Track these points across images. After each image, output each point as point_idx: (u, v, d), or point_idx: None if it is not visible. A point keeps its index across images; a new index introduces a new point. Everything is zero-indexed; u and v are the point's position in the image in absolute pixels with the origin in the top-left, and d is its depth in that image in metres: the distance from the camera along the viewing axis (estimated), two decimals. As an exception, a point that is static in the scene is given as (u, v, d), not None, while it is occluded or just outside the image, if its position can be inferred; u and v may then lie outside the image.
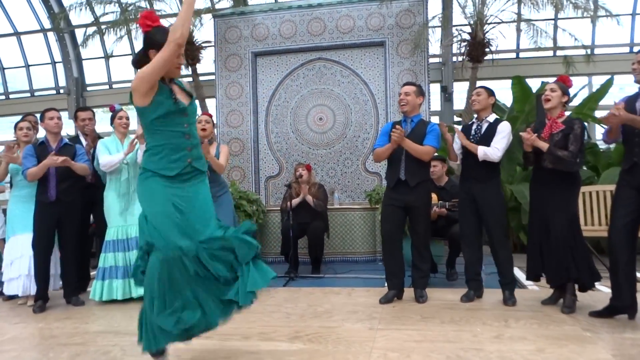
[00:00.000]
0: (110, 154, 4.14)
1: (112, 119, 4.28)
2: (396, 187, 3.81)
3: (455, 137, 3.91)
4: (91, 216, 4.69)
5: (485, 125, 3.78)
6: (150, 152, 2.38)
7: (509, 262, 3.72)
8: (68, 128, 4.64)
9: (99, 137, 4.54)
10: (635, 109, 3.12)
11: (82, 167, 4.00)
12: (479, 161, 3.68)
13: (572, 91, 3.72)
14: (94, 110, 4.98)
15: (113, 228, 4.18)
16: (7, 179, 4.48)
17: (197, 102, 2.49)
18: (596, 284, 3.47)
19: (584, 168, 6.20)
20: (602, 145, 6.91)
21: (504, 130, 3.70)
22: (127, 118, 4.29)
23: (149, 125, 2.35)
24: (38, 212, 3.94)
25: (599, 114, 7.12)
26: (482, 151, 3.66)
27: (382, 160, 3.98)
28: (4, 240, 5.16)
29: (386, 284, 3.93)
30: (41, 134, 4.41)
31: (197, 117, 2.75)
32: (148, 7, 8.85)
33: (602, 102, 7.12)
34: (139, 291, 4.06)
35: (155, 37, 2.30)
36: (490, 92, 3.84)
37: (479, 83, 7.28)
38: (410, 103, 3.84)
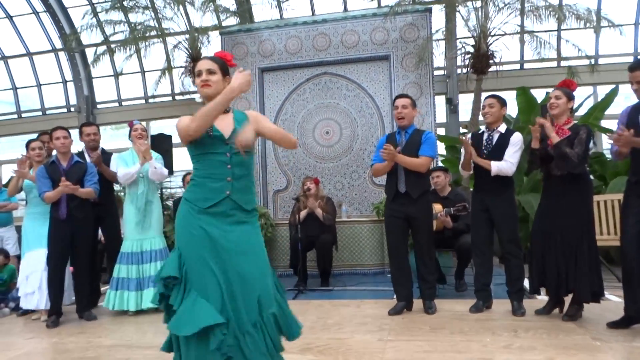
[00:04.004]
0: (127, 166, 4.26)
1: (130, 133, 4.41)
2: (395, 199, 3.82)
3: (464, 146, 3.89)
4: (99, 232, 4.76)
5: (496, 136, 3.76)
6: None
7: (521, 272, 3.71)
8: (80, 145, 4.71)
9: (104, 152, 4.63)
10: (639, 121, 3.13)
11: (86, 192, 4.05)
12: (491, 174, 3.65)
13: (577, 101, 3.70)
14: (104, 127, 5.10)
15: (129, 240, 4.28)
16: (22, 195, 4.57)
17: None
18: (606, 293, 3.45)
19: (591, 177, 6.19)
20: (609, 154, 6.90)
21: (517, 143, 3.67)
22: (143, 129, 4.41)
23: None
24: (52, 229, 4.02)
25: (605, 123, 7.14)
26: (495, 167, 3.62)
27: (381, 176, 4.00)
28: (17, 256, 5.26)
29: (395, 296, 3.94)
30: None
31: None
32: (157, 26, 9.03)
33: (607, 112, 7.13)
34: (149, 303, 4.13)
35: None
36: (503, 103, 3.79)
37: (483, 94, 7.33)
38: (407, 116, 3.81)
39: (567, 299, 3.54)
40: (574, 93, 3.58)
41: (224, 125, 2.23)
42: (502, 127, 3.79)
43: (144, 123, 5.15)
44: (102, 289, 4.81)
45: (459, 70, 8.33)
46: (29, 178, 4.25)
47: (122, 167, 4.27)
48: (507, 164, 3.63)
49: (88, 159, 4.46)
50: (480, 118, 4.29)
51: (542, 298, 4.14)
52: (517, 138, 3.70)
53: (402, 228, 3.82)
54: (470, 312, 3.73)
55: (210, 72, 2.21)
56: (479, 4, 7.15)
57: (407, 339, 3.16)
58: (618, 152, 3.22)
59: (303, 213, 5.34)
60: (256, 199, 2.34)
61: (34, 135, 4.79)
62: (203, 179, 2.19)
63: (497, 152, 3.69)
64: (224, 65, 2.28)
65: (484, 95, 7.37)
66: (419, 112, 6.40)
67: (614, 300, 3.88)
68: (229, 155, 2.20)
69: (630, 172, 3.27)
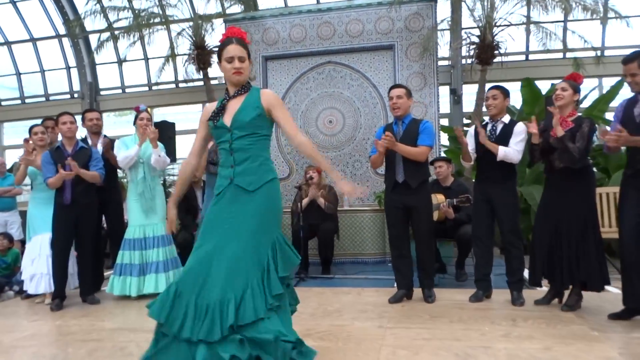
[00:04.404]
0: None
1: (135, 118, 4.40)
2: (395, 189, 3.82)
3: (468, 137, 3.89)
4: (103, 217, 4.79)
5: (500, 126, 3.76)
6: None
7: (521, 262, 3.73)
8: (84, 131, 4.72)
9: (108, 140, 4.64)
10: (634, 114, 3.15)
11: (92, 175, 4.07)
12: (495, 163, 3.65)
13: (582, 93, 3.70)
14: (107, 113, 5.10)
15: (132, 227, 4.31)
16: (27, 180, 4.60)
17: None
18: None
19: (594, 170, 6.18)
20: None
21: (522, 133, 3.67)
22: (149, 119, 4.37)
23: None
24: (56, 214, 4.05)
25: (609, 115, 7.11)
26: (502, 152, 3.62)
27: (378, 167, 4.02)
28: (21, 241, 5.31)
29: (395, 284, 3.96)
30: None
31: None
32: (161, 13, 9.00)
33: (612, 104, 7.10)
34: (150, 288, 4.17)
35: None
36: (506, 94, 3.79)
37: (488, 85, 7.30)
38: (402, 107, 3.79)
39: (566, 289, 3.57)
40: (580, 88, 3.58)
41: (232, 111, 2.30)
42: (506, 118, 3.79)
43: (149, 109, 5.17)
44: (106, 274, 4.85)
45: (463, 61, 8.30)
46: (35, 165, 4.27)
47: (123, 150, 4.29)
48: (513, 151, 3.63)
49: (91, 144, 4.48)
50: (484, 109, 4.29)
51: (542, 289, 4.17)
52: (520, 128, 3.70)
53: (402, 218, 3.83)
54: (470, 301, 3.75)
55: (241, 59, 2.29)
56: (484, -7, 7.10)
57: (406, 326, 3.19)
58: (609, 146, 3.25)
59: (305, 201, 5.36)
60: (268, 175, 2.29)
61: (38, 121, 4.80)
62: (220, 168, 2.35)
63: (501, 142, 3.69)
64: (248, 49, 2.35)
65: (488, 86, 7.36)
66: (422, 102, 6.44)
67: (613, 291, 3.90)
68: (230, 142, 2.28)
69: (626, 165, 3.28)
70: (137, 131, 4.37)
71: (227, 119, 2.28)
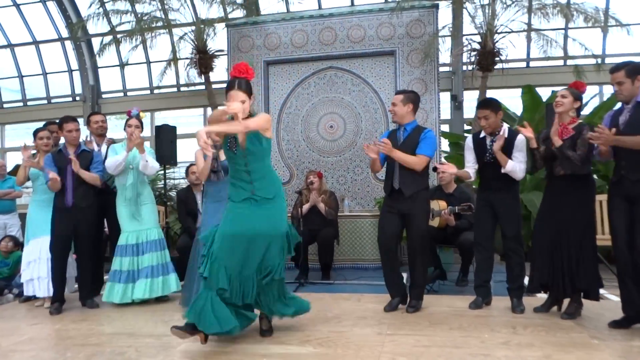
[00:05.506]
0: None
1: (126, 123, 4.35)
2: (392, 195, 3.79)
3: (466, 150, 3.87)
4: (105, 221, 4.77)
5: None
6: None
7: (522, 269, 3.72)
8: (85, 134, 4.73)
9: (113, 141, 4.65)
10: (619, 123, 3.17)
11: (91, 176, 4.07)
12: (498, 171, 3.64)
13: (583, 100, 3.71)
14: (109, 117, 5.08)
15: (124, 233, 4.26)
16: (28, 183, 4.60)
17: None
18: (602, 291, 3.47)
19: (595, 177, 6.18)
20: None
21: (523, 146, 3.67)
22: (137, 125, 4.25)
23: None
24: (56, 217, 4.05)
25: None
26: (510, 166, 3.59)
27: (377, 171, 4.02)
28: (20, 244, 5.30)
29: (389, 293, 3.91)
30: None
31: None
32: (163, 17, 9.04)
33: (613, 112, 7.11)
34: (140, 294, 4.13)
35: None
36: (497, 109, 3.71)
37: (489, 92, 7.32)
38: (398, 113, 3.76)
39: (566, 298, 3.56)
40: (582, 95, 3.58)
41: (241, 139, 2.81)
42: (504, 130, 3.75)
43: (148, 113, 5.15)
44: (105, 277, 4.84)
45: (464, 67, 8.31)
46: (38, 167, 4.26)
47: (111, 157, 4.26)
48: (520, 167, 3.63)
49: (96, 148, 4.47)
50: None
51: (541, 296, 4.16)
52: (521, 141, 3.68)
53: (395, 224, 3.76)
54: (470, 308, 3.74)
55: (242, 101, 2.76)
56: (486, 0, 7.12)
57: (406, 333, 3.19)
58: (599, 152, 3.27)
59: (305, 207, 5.37)
60: (279, 181, 3.14)
61: (40, 124, 4.81)
62: (234, 180, 2.95)
63: (503, 154, 3.67)
64: (250, 87, 2.84)
65: (489, 92, 7.37)
66: (422, 109, 6.43)
67: (613, 299, 3.90)
68: (247, 165, 2.86)
69: (613, 172, 3.30)
70: (127, 138, 4.33)
71: (241, 147, 2.85)
